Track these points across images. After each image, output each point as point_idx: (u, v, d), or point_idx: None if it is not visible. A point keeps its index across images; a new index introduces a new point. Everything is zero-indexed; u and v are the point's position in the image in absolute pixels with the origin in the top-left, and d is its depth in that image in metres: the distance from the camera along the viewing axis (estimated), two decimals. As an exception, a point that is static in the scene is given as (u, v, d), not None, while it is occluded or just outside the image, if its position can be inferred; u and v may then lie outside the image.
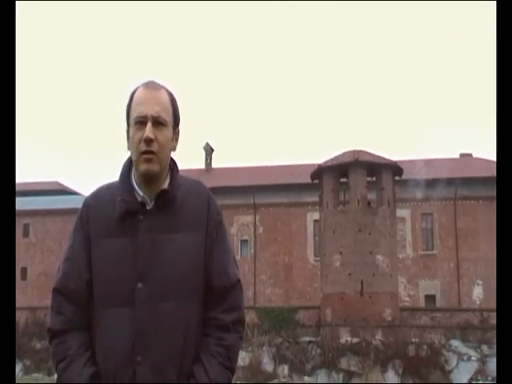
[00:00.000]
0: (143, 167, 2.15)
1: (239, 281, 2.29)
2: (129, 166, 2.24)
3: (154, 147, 2.14)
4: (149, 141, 2.13)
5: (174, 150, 2.25)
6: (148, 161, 2.14)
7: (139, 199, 2.18)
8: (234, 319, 2.22)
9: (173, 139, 2.23)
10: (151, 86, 2.21)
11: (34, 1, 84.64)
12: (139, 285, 2.11)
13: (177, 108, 2.25)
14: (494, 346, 26.99)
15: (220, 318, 2.20)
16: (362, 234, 30.02)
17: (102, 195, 2.25)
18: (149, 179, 2.18)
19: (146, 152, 2.14)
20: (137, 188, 2.20)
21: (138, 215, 2.16)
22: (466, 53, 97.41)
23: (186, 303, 2.14)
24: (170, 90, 2.26)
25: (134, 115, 2.17)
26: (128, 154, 2.25)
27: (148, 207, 2.18)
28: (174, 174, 2.24)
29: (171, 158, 2.25)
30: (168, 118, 2.19)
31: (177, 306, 2.12)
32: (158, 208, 2.17)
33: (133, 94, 2.21)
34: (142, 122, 2.15)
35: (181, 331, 2.12)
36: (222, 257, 2.25)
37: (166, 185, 2.21)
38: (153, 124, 2.15)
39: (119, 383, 2.08)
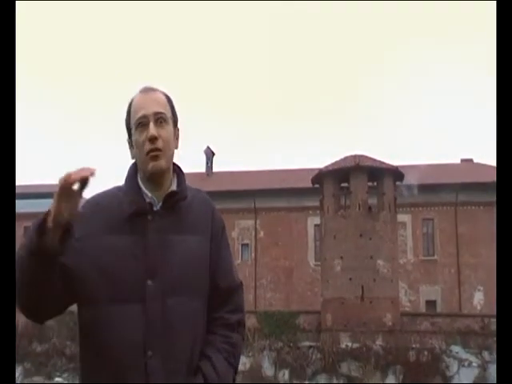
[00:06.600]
0: (150, 165, 2.16)
1: (242, 284, 2.37)
2: (134, 169, 2.27)
3: (159, 144, 2.16)
4: (153, 139, 2.15)
5: (177, 148, 2.28)
6: (154, 158, 2.16)
7: (147, 200, 2.20)
8: (238, 320, 2.28)
9: (174, 138, 2.26)
10: (146, 89, 2.25)
11: (34, 0, 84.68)
12: (149, 282, 2.11)
13: (174, 108, 2.30)
14: (495, 353, 26.92)
15: (226, 318, 2.25)
16: (363, 239, 29.97)
17: (104, 197, 2.26)
18: (157, 178, 2.20)
19: (151, 150, 2.16)
20: (144, 189, 2.22)
21: (147, 215, 2.18)
22: (467, 56, 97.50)
23: (193, 301, 2.17)
24: (166, 92, 2.30)
25: (134, 120, 2.20)
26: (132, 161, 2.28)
27: (155, 208, 2.20)
28: (182, 179, 2.28)
29: (176, 164, 2.29)
30: (168, 115, 2.23)
31: (186, 303, 2.15)
32: (166, 209, 2.21)
33: (130, 103, 2.26)
34: (143, 123, 2.18)
35: (190, 327, 2.15)
36: (227, 260, 2.32)
37: (174, 187, 2.25)
38: (155, 122, 2.18)
39: (130, 379, 2.05)
